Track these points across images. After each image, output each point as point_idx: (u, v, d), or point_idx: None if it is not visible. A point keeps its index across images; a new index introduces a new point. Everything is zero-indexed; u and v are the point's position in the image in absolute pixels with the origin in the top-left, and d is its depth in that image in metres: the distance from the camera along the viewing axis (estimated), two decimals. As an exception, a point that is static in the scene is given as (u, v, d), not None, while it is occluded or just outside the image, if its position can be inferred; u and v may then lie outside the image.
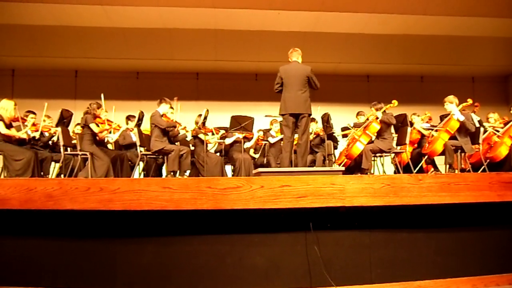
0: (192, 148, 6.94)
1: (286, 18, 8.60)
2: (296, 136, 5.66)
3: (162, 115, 6.18)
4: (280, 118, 5.67)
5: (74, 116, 6.87)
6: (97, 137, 5.96)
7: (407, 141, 6.40)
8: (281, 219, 3.89)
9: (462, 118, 5.85)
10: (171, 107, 6.47)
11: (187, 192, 3.65)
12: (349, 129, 7.41)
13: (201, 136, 6.72)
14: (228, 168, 7.43)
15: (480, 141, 6.13)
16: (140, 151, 6.20)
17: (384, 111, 6.28)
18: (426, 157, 6.44)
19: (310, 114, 5.42)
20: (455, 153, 5.95)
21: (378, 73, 10.79)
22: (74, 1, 7.91)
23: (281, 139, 6.10)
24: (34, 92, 9.78)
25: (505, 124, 6.61)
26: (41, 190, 3.61)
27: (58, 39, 8.97)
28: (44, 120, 6.67)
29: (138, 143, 6.24)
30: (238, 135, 7.23)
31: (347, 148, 6.80)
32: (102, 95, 6.30)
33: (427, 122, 7.21)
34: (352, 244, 3.98)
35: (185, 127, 6.89)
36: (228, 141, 7.33)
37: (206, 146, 6.70)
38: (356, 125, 6.90)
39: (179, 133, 6.78)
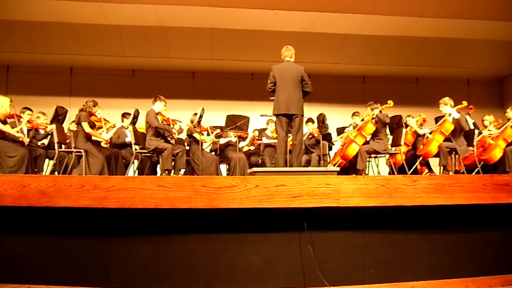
0: (187, 147, 6.93)
1: (283, 18, 8.60)
2: (290, 136, 5.66)
3: (157, 113, 6.16)
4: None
5: (69, 113, 6.84)
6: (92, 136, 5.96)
7: (402, 143, 6.42)
8: (276, 219, 3.89)
9: (457, 116, 5.88)
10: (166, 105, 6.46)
11: (181, 190, 3.64)
12: (345, 129, 7.43)
13: (196, 135, 6.71)
14: (223, 168, 7.43)
15: (474, 143, 6.17)
16: (135, 149, 6.19)
17: (380, 111, 6.31)
18: (420, 158, 6.46)
19: (303, 115, 5.42)
20: (449, 155, 5.98)
21: (374, 74, 10.82)
22: (71, -2, 7.89)
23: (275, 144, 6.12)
24: (29, 89, 9.75)
25: (499, 126, 6.65)
26: (35, 187, 3.59)
27: (53, 35, 8.92)
28: (39, 117, 6.65)
29: (133, 141, 6.22)
30: (231, 139, 7.23)
31: (342, 148, 6.81)
32: (100, 109, 6.28)
33: (421, 124, 7.24)
34: (346, 245, 3.99)
35: (180, 127, 6.85)
36: (222, 141, 7.33)
37: (201, 145, 6.69)
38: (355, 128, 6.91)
39: (174, 136, 6.75)
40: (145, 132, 6.21)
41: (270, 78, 5.43)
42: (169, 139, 6.40)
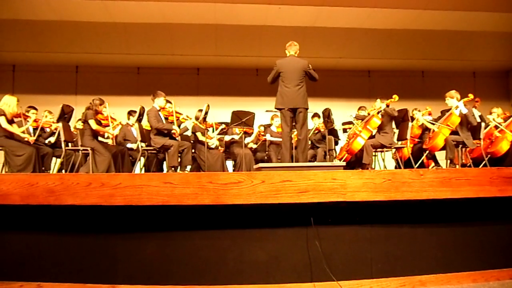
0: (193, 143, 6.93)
1: (287, 12, 8.58)
2: (295, 131, 5.66)
3: (159, 110, 6.16)
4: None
5: (75, 111, 6.87)
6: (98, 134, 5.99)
7: (408, 136, 6.40)
8: (282, 214, 3.89)
9: (465, 111, 5.85)
10: (168, 101, 6.46)
11: (188, 187, 3.65)
12: (350, 123, 7.41)
13: (199, 134, 6.72)
14: (229, 164, 7.44)
15: (481, 136, 6.13)
16: (141, 147, 6.21)
17: (387, 105, 6.30)
18: (427, 152, 6.44)
19: (307, 108, 5.42)
20: (456, 148, 5.95)
21: (379, 68, 10.78)
22: (75, -4, 7.91)
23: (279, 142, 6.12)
24: (35, 88, 9.81)
25: (506, 119, 6.60)
26: (43, 186, 3.61)
27: (58, 34, 8.96)
28: (45, 116, 6.69)
29: (138, 139, 6.24)
30: (235, 136, 7.23)
31: (348, 143, 6.80)
32: (107, 104, 6.29)
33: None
34: (353, 239, 3.98)
35: (187, 116, 6.79)
36: (227, 138, 7.32)
37: (206, 142, 6.70)
38: (358, 117, 6.90)
39: (182, 131, 6.71)
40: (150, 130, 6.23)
41: (273, 72, 5.43)
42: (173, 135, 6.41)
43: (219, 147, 7.16)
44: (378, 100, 6.43)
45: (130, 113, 7.26)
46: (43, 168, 5.96)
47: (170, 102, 6.61)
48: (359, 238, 3.99)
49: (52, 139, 6.63)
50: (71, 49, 9.38)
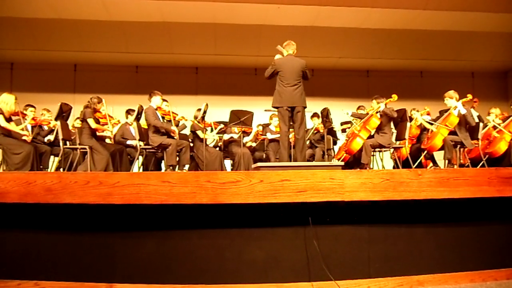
0: (191, 142, 6.93)
1: (286, 12, 8.57)
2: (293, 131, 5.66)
3: (156, 108, 6.16)
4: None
5: (73, 110, 6.86)
6: (97, 132, 5.98)
7: (407, 136, 6.40)
8: (281, 214, 3.89)
9: (464, 111, 5.86)
10: (164, 100, 6.47)
11: (186, 186, 3.64)
12: (348, 122, 7.42)
13: (199, 133, 6.72)
14: (227, 163, 7.44)
15: (479, 136, 6.14)
16: (139, 145, 6.20)
17: (385, 105, 6.31)
18: (425, 152, 6.45)
19: (305, 107, 5.42)
20: (454, 148, 5.96)
21: (378, 68, 10.79)
22: (73, -6, 7.89)
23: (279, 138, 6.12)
24: (33, 86, 9.79)
25: (505, 119, 6.61)
26: (41, 184, 3.60)
27: (57, 32, 8.94)
28: (43, 114, 6.68)
29: (137, 138, 6.24)
30: (233, 135, 7.23)
31: (347, 143, 6.81)
32: (104, 106, 6.29)
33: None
34: (351, 239, 3.98)
35: (182, 117, 6.81)
36: (226, 136, 7.32)
37: (205, 140, 6.70)
38: (355, 115, 6.91)
39: (180, 129, 6.71)
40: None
41: (270, 68, 5.44)
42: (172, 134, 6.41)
43: (218, 144, 7.16)
44: (374, 101, 6.43)
45: (129, 111, 7.25)
46: (41, 167, 5.95)
47: (167, 101, 6.61)
48: (357, 237, 3.99)
49: (51, 138, 6.62)
50: (70, 47, 9.36)
